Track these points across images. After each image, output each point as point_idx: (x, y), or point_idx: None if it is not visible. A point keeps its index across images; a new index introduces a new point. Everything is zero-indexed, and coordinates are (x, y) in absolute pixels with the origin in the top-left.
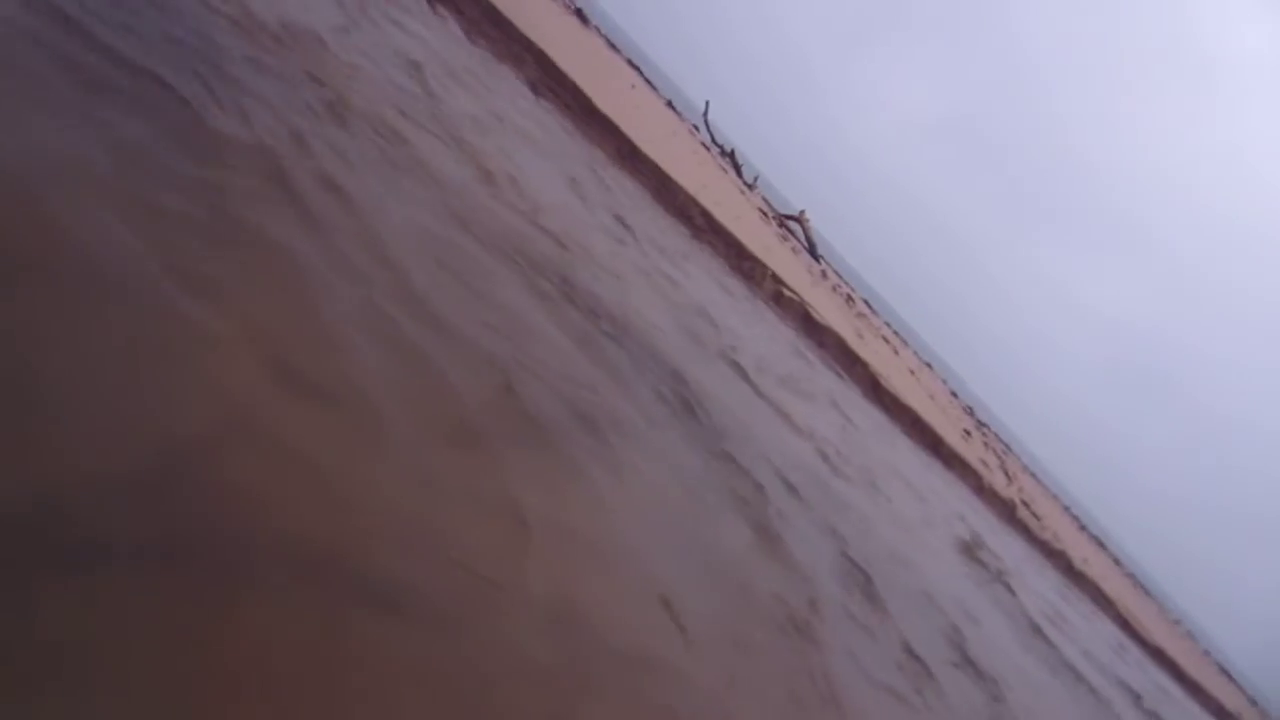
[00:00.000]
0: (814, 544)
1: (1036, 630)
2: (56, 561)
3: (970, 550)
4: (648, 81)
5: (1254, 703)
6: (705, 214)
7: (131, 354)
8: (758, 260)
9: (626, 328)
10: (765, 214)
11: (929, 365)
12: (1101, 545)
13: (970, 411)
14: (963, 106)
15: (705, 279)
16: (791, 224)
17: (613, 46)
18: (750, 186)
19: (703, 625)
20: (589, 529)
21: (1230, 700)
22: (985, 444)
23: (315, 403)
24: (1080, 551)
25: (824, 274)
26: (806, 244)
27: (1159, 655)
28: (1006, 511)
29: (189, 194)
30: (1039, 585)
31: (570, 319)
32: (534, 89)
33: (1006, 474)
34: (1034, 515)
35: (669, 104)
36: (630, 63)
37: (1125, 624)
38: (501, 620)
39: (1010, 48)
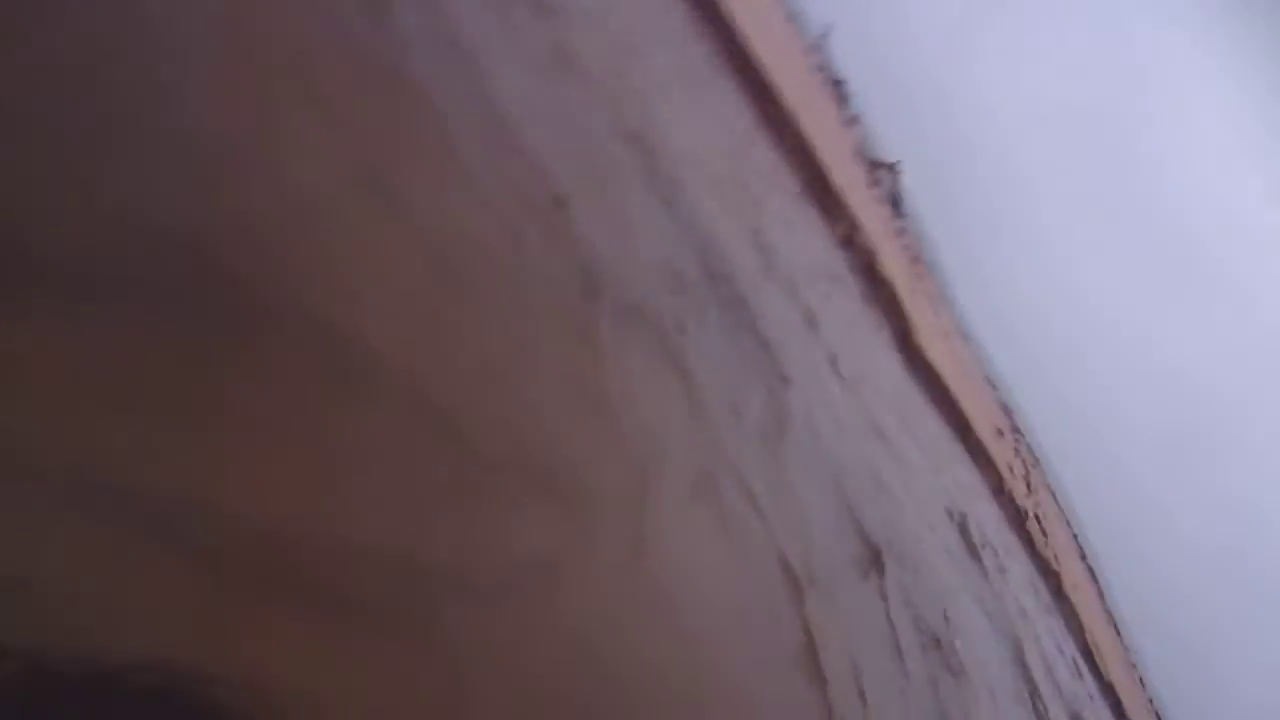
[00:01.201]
0: None
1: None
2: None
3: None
4: None
5: None
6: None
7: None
8: (841, 198)
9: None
10: (860, 154)
11: (966, 339)
12: (1100, 593)
13: (1008, 411)
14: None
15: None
16: (882, 173)
17: None
18: (851, 123)
19: None
20: None
21: None
22: (1015, 449)
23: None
24: (1072, 579)
25: (902, 231)
26: (891, 197)
27: (1110, 692)
28: (1018, 519)
29: None
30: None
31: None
32: None
33: (1028, 485)
34: (1042, 531)
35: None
36: None
37: (1087, 654)
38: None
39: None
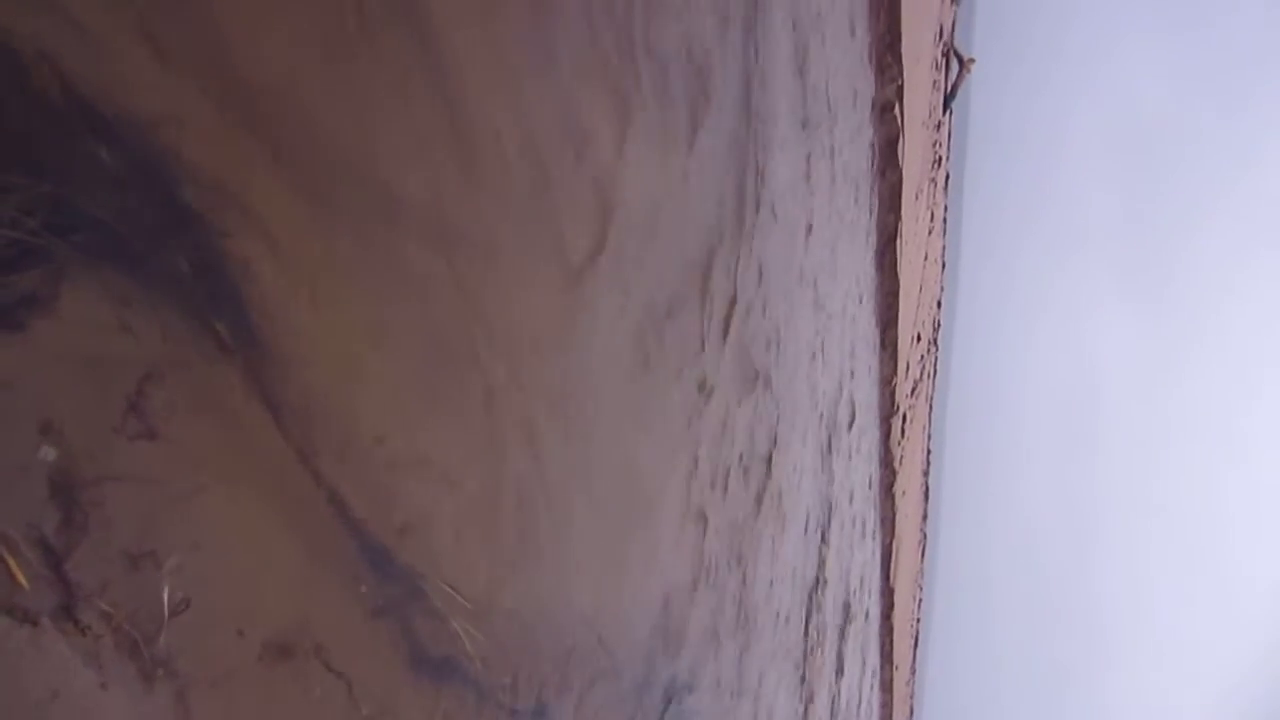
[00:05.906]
0: None
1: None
2: None
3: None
4: None
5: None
6: None
7: None
8: (900, 61)
9: None
10: (941, 33)
11: (943, 266)
12: (925, 513)
13: (937, 326)
14: None
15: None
16: (953, 61)
17: None
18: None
19: None
20: None
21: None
22: (922, 357)
23: None
24: (905, 485)
25: (939, 125)
26: (949, 89)
27: (888, 595)
28: (888, 411)
29: None
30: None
31: None
32: None
33: (913, 391)
34: (902, 431)
35: None
36: None
37: (886, 554)
38: None
39: None
